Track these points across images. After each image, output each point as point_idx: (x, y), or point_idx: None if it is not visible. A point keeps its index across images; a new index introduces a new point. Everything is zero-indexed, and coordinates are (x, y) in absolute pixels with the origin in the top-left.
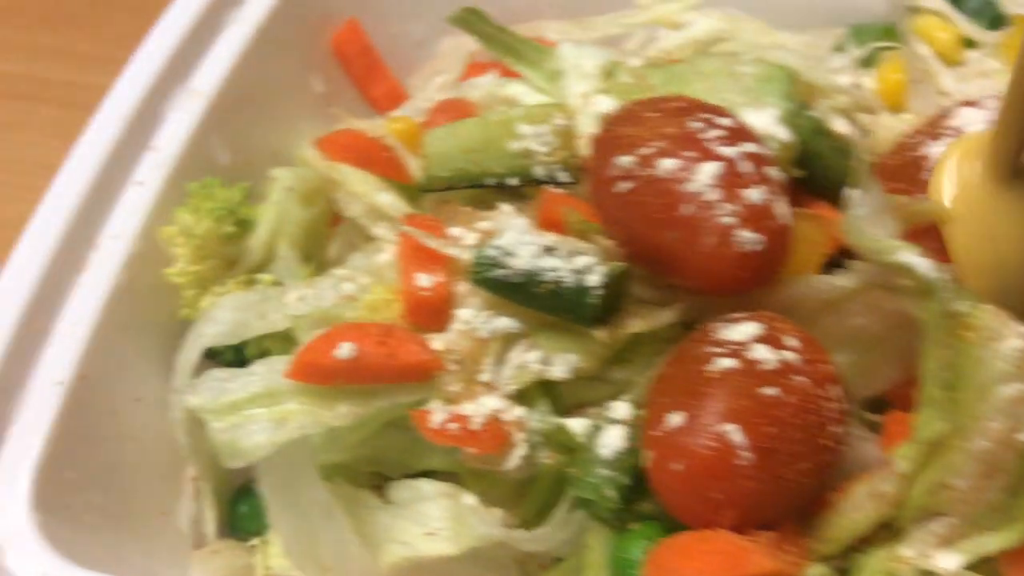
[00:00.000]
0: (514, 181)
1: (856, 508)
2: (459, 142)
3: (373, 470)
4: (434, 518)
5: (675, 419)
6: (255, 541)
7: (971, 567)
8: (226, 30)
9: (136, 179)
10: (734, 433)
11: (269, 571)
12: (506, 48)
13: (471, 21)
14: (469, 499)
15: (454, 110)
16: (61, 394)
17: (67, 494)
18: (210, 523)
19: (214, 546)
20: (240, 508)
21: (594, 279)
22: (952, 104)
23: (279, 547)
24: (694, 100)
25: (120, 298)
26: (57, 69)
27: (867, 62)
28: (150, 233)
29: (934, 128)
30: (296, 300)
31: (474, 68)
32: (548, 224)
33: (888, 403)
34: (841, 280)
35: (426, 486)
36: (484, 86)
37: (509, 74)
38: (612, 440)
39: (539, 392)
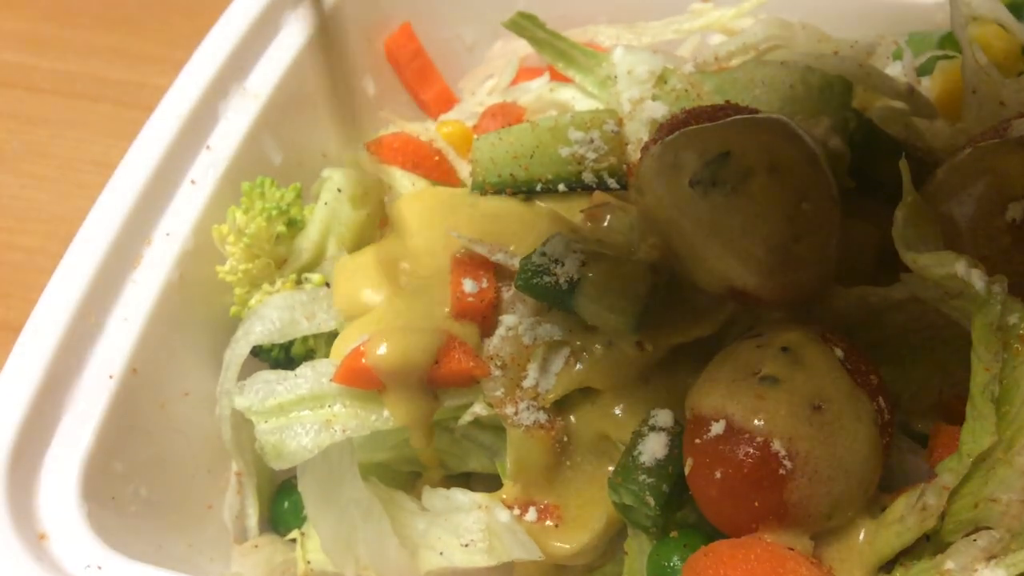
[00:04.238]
0: (563, 187)
1: (900, 520)
2: (508, 148)
3: (412, 470)
4: (470, 530)
5: (717, 427)
6: (294, 534)
7: None
8: (281, 33)
9: (191, 177)
10: (776, 442)
11: (309, 565)
12: (558, 53)
13: (524, 26)
14: (503, 514)
15: (504, 114)
16: (112, 387)
17: (114, 485)
18: (252, 518)
19: (255, 540)
20: (282, 504)
21: (640, 288)
22: (1013, 116)
23: (318, 542)
24: (744, 108)
25: (172, 294)
26: (113, 69)
27: (924, 70)
28: (203, 231)
29: (992, 139)
30: None
31: (525, 72)
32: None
33: (936, 416)
34: (891, 292)
35: (460, 496)
36: (535, 90)
37: (560, 78)
38: (654, 447)
39: (582, 398)
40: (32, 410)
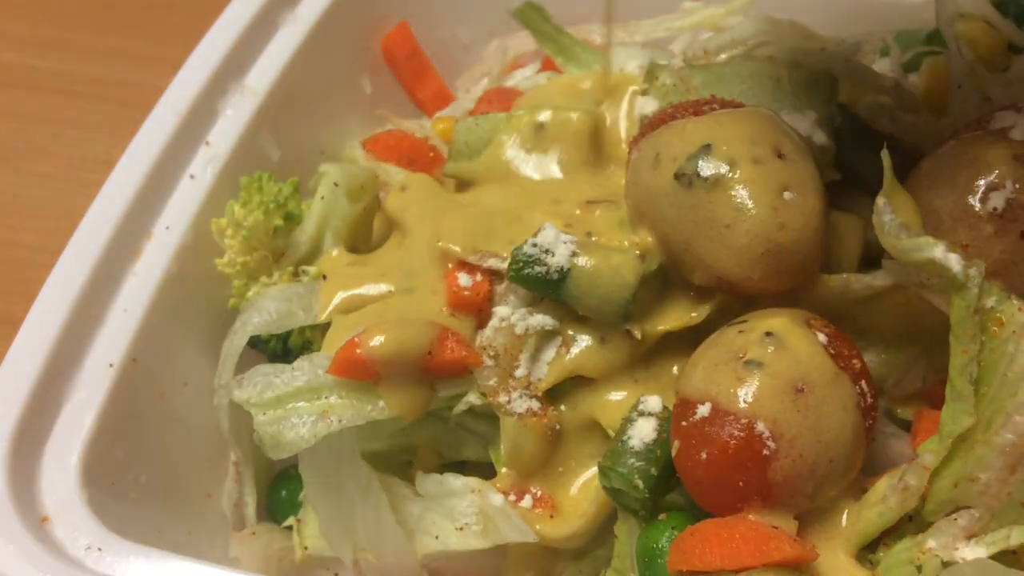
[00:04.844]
0: None
1: (882, 500)
2: (483, 133)
3: (408, 459)
4: (464, 514)
5: (703, 410)
6: (291, 521)
7: (995, 559)
8: (280, 31)
9: (190, 172)
10: (759, 423)
11: (307, 551)
12: (559, 48)
13: (532, 17)
14: (496, 498)
15: (500, 99)
16: (112, 376)
17: (115, 471)
18: (250, 506)
19: (253, 528)
20: (279, 492)
21: (629, 278)
22: (994, 108)
23: (314, 528)
24: (729, 102)
25: (171, 286)
26: (114, 69)
27: (911, 66)
28: (202, 225)
29: (975, 131)
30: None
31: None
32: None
33: (920, 402)
34: (874, 279)
35: (454, 481)
36: (534, 77)
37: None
38: (643, 432)
39: (573, 387)
40: (34, 397)
